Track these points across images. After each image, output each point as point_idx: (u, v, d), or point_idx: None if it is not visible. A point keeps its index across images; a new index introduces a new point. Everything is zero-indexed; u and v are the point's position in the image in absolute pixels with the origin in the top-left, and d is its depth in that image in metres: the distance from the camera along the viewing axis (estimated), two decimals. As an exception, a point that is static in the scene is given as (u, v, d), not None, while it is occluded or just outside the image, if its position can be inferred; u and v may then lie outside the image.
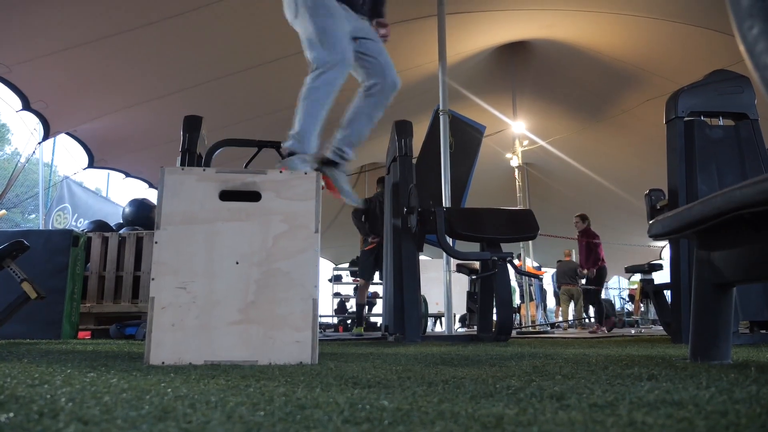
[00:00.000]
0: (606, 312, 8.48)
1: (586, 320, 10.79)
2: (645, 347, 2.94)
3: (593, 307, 8.46)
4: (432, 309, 11.27)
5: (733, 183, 1.69)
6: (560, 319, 11.55)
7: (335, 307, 14.15)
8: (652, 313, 10.20)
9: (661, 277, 5.17)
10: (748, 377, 1.22)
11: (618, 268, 14.35)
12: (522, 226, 4.38)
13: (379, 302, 10.50)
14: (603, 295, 14.81)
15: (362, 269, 6.99)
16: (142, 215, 6.12)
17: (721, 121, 3.66)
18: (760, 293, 3.39)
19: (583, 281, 9.13)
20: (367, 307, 8.91)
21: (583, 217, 8.33)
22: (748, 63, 0.70)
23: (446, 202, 5.72)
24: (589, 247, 8.22)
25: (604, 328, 7.77)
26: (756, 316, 3.43)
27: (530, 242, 10.68)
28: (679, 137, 3.58)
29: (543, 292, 14.64)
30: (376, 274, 6.96)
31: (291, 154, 2.36)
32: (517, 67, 8.89)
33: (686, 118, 3.61)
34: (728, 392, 0.98)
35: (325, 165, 2.49)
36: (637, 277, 5.73)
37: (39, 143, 6.81)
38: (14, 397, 0.94)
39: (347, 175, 2.54)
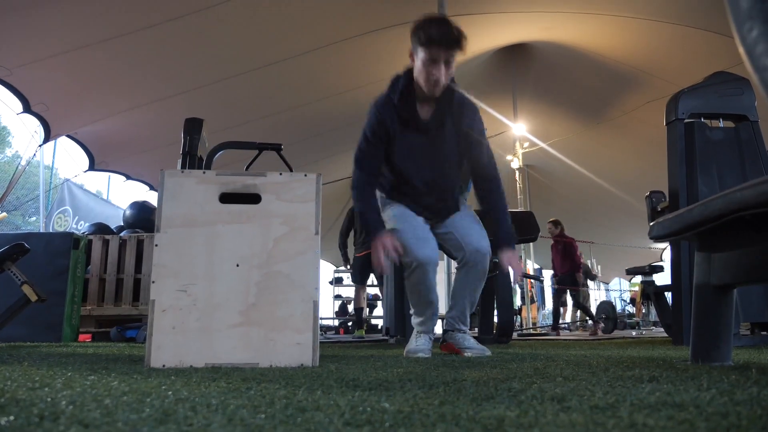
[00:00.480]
0: (593, 316, 8.46)
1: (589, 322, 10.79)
2: (646, 349, 2.94)
3: (581, 310, 8.47)
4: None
5: (733, 185, 1.69)
6: (567, 320, 11.59)
7: (336, 309, 14.14)
8: (653, 315, 10.20)
9: (662, 278, 5.17)
10: (749, 379, 1.22)
11: (619, 269, 14.36)
12: (523, 227, 4.38)
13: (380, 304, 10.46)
14: (605, 297, 14.79)
15: (354, 274, 6.97)
16: (143, 218, 6.12)
17: (721, 123, 3.66)
18: (761, 295, 3.38)
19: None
20: (367, 309, 8.87)
21: (556, 223, 8.34)
22: (747, 65, 0.70)
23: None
24: (565, 250, 8.23)
25: (599, 328, 7.76)
26: (757, 318, 3.42)
27: (531, 244, 10.67)
28: (680, 139, 3.58)
29: (544, 294, 14.66)
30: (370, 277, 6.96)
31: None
32: (517, 70, 8.90)
33: (686, 120, 3.61)
34: (729, 394, 0.98)
35: (446, 333, 2.66)
36: (638, 279, 5.73)
37: (40, 146, 6.81)
38: (15, 400, 0.94)
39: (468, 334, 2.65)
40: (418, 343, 2.52)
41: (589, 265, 11.74)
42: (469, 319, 2.66)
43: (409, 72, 2.49)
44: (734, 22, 0.71)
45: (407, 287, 2.54)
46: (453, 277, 5.89)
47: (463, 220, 2.63)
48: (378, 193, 2.65)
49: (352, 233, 7.02)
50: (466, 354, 2.49)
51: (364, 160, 2.52)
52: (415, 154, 2.52)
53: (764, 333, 3.61)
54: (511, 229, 2.57)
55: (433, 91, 2.41)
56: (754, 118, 3.59)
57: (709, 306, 1.71)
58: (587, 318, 8.45)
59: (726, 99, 3.61)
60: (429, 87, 2.39)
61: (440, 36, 2.29)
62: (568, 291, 8.59)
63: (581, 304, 8.80)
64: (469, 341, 2.57)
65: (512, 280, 2.57)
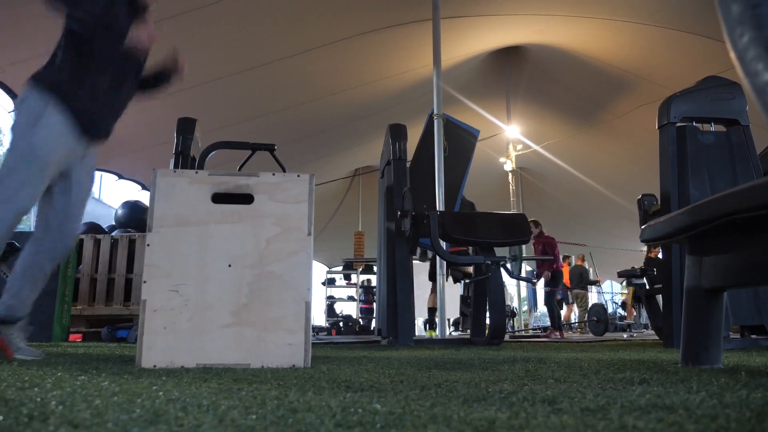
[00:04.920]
0: (558, 321, 8.41)
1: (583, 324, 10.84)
2: (637, 351, 2.95)
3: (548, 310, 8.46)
4: (425, 312, 11.26)
5: (724, 188, 1.71)
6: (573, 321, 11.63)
7: (325, 310, 14.11)
8: (644, 318, 10.25)
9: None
10: (739, 381, 1.22)
11: (611, 272, 14.42)
12: (515, 230, 4.39)
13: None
14: (596, 300, 14.87)
15: (431, 273, 6.80)
16: (135, 217, 6.08)
17: (712, 127, 3.69)
18: (751, 298, 3.41)
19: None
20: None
21: (536, 223, 8.33)
22: (738, 70, 0.70)
23: (440, 205, 5.73)
24: (544, 251, 8.24)
25: (557, 333, 7.73)
26: (746, 321, 3.45)
27: (524, 246, 10.70)
28: (672, 142, 3.60)
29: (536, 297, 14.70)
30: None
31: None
32: (511, 72, 8.93)
33: (678, 124, 3.63)
34: (718, 396, 0.98)
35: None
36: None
37: (31, 144, 6.76)
38: (4, 400, 0.93)
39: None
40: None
41: (588, 269, 11.76)
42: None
43: None
44: (726, 27, 0.71)
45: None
46: (446, 280, 5.91)
47: (82, 194, 2.36)
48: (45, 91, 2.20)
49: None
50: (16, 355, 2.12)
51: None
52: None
53: (754, 336, 3.64)
54: None
55: None
56: (745, 123, 3.62)
57: (699, 309, 1.72)
58: (550, 320, 8.40)
59: (717, 103, 3.64)
60: None
61: None
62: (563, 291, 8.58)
63: (551, 304, 8.66)
64: (20, 342, 2.17)
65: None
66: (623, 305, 13.39)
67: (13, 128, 2.15)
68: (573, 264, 11.17)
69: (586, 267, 11.70)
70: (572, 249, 11.36)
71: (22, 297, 2.21)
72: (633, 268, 5.66)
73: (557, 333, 7.70)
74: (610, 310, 10.98)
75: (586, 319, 10.46)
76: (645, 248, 8.58)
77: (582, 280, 11.03)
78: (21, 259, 2.26)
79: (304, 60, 6.60)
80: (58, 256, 2.30)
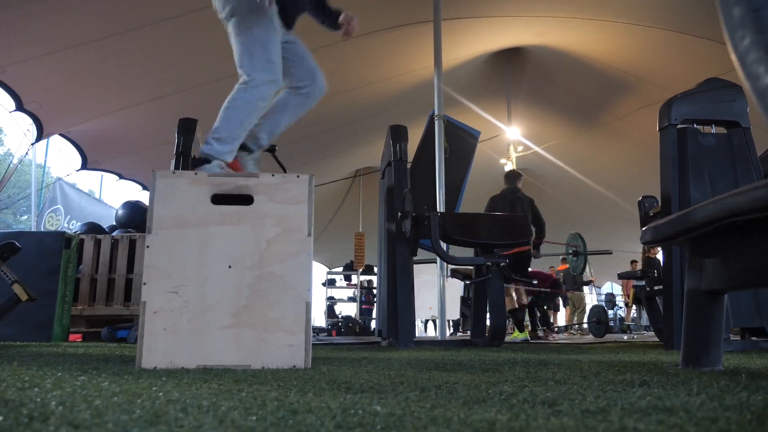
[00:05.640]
0: (547, 323, 8.31)
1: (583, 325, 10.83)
2: (637, 353, 2.95)
3: (539, 311, 8.35)
4: (426, 313, 11.26)
5: (725, 190, 1.70)
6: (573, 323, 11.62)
7: (325, 311, 14.11)
8: (645, 319, 10.25)
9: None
10: (739, 384, 1.22)
11: (611, 274, 14.41)
12: (515, 231, 4.39)
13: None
14: (596, 302, 14.84)
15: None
16: (136, 218, 6.09)
17: (713, 129, 3.69)
18: (751, 300, 3.41)
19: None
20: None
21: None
22: (739, 72, 0.70)
23: (441, 207, 5.73)
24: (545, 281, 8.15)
25: (548, 334, 7.66)
26: (747, 323, 3.45)
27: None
28: (672, 144, 3.60)
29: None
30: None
31: (206, 160, 2.31)
32: (512, 73, 8.93)
33: (679, 126, 3.63)
34: (719, 399, 0.98)
35: (243, 151, 2.51)
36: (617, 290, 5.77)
37: (32, 144, 6.78)
38: (4, 400, 0.93)
39: (257, 161, 2.56)
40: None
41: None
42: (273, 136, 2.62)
43: None
44: (727, 30, 0.71)
45: (241, 101, 2.37)
46: (446, 280, 5.90)
47: (309, 55, 2.67)
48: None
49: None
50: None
51: None
52: None
53: (754, 338, 3.64)
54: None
55: None
56: (745, 125, 3.63)
57: (699, 311, 1.72)
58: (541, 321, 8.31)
59: (718, 105, 3.64)
60: None
61: None
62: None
63: (540, 306, 8.54)
64: (251, 165, 2.52)
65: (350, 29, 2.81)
66: (611, 305, 13.40)
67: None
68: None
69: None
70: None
71: (280, 128, 2.57)
72: (633, 263, 5.64)
73: (553, 335, 7.66)
74: (610, 313, 10.97)
75: (585, 320, 10.45)
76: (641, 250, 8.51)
77: (575, 282, 11.02)
78: (284, 104, 2.59)
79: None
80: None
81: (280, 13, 2.50)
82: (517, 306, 6.76)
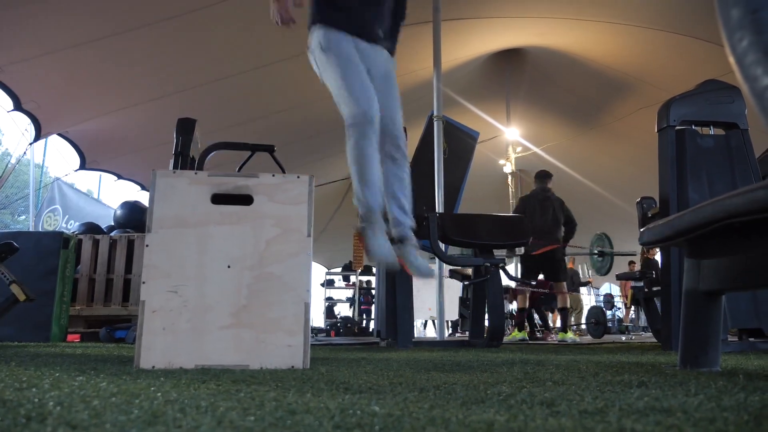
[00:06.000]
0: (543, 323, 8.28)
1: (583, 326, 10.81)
2: (635, 354, 2.95)
3: (537, 313, 8.31)
4: (425, 314, 11.24)
5: (723, 192, 1.71)
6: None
7: (324, 312, 14.10)
8: (643, 320, 10.25)
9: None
10: (737, 385, 1.22)
11: (609, 275, 14.39)
12: (514, 232, 4.39)
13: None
14: (594, 302, 14.84)
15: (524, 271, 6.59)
16: (134, 218, 6.08)
17: (711, 131, 3.70)
18: (749, 301, 3.41)
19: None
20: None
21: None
22: (737, 74, 0.71)
23: (439, 207, 5.73)
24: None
25: (546, 335, 7.66)
26: (745, 324, 3.45)
27: (522, 249, 10.71)
28: (671, 146, 3.61)
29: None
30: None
31: (362, 228, 2.26)
32: (511, 74, 8.93)
33: (678, 127, 3.63)
34: (716, 399, 0.98)
35: (394, 244, 2.34)
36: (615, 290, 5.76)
37: (30, 144, 6.76)
38: (1, 400, 0.93)
39: (414, 246, 2.38)
40: (379, 242, 2.23)
41: (578, 272, 11.76)
42: (410, 212, 2.43)
43: None
44: (725, 31, 0.71)
45: (351, 152, 2.28)
46: (444, 281, 5.89)
47: (395, 87, 2.45)
48: (314, 33, 2.38)
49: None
50: (411, 272, 2.31)
51: None
52: None
53: (752, 339, 3.64)
54: None
55: None
56: (744, 126, 3.63)
57: (697, 312, 1.72)
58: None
59: (717, 107, 3.65)
60: None
61: None
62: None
63: (537, 307, 8.50)
64: (414, 256, 2.35)
65: None
66: (610, 305, 13.39)
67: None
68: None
69: (577, 269, 11.68)
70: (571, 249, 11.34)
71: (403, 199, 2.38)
72: (631, 264, 5.65)
73: (552, 336, 7.66)
74: (608, 314, 10.97)
75: (582, 321, 10.45)
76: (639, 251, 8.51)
77: (573, 283, 11.01)
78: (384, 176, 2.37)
79: (304, 62, 6.54)
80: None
81: (350, 29, 2.34)
82: (527, 305, 6.75)
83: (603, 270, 7.11)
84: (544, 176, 6.57)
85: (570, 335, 6.59)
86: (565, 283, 6.46)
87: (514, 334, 6.66)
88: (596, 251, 6.05)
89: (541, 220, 6.18)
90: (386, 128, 2.33)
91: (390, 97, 2.39)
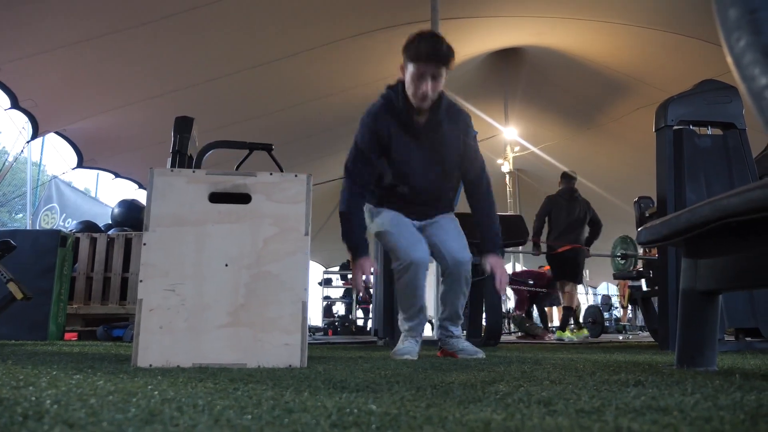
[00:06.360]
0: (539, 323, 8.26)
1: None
2: (632, 353, 2.96)
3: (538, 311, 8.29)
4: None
5: (720, 192, 1.71)
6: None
7: (322, 310, 14.10)
8: (640, 320, 10.27)
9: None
10: (733, 384, 1.23)
11: (606, 274, 14.43)
12: (512, 231, 4.40)
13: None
14: (592, 302, 14.86)
15: (553, 270, 6.59)
16: (132, 216, 6.08)
17: (709, 131, 3.70)
18: (746, 301, 3.42)
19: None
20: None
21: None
22: (735, 74, 0.71)
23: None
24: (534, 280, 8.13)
25: (544, 334, 7.64)
26: (741, 324, 3.46)
27: (520, 248, 10.72)
28: (668, 145, 3.61)
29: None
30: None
31: (402, 336, 2.61)
32: (509, 74, 8.94)
33: (675, 127, 3.64)
34: (713, 399, 0.99)
35: (440, 340, 2.72)
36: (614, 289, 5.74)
37: (27, 142, 6.75)
38: (-1, 398, 0.93)
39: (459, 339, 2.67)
40: (405, 345, 2.53)
41: None
42: (460, 322, 2.70)
43: (402, 83, 2.54)
44: (723, 31, 0.71)
45: (398, 290, 2.55)
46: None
47: (447, 226, 2.67)
48: (367, 205, 2.67)
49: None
50: (460, 356, 2.54)
51: (355, 170, 2.54)
52: (410, 160, 2.55)
53: (748, 339, 3.65)
54: (498, 235, 2.61)
55: (421, 104, 2.45)
56: (741, 126, 3.64)
57: (694, 311, 1.72)
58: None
59: (714, 107, 3.65)
60: (417, 101, 2.44)
61: (428, 52, 2.36)
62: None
63: (539, 306, 8.46)
64: (462, 343, 2.62)
65: (497, 284, 2.57)
66: (608, 307, 13.41)
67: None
68: None
69: None
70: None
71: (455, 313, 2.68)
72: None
73: (550, 335, 7.65)
74: (605, 313, 10.97)
75: (580, 320, 10.44)
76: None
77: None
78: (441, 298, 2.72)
79: (301, 60, 6.60)
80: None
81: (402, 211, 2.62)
82: (575, 305, 6.75)
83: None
84: (570, 177, 6.55)
85: (567, 334, 6.60)
86: (580, 285, 6.50)
87: (567, 334, 6.58)
88: (619, 253, 6.05)
89: (566, 220, 6.16)
90: (443, 261, 2.58)
91: (443, 236, 2.61)
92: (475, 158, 2.63)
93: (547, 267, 7.70)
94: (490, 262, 2.55)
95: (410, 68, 2.41)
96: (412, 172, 2.56)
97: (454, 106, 2.63)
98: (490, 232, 2.60)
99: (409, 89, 2.44)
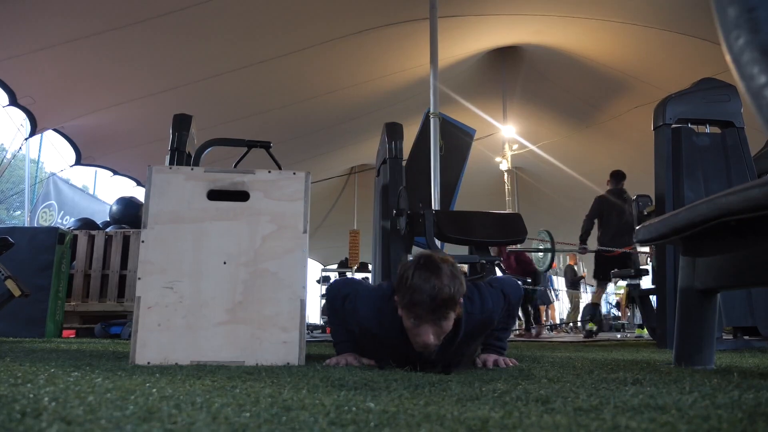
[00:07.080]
0: (532, 319, 8.25)
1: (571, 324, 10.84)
2: (630, 352, 2.96)
3: (531, 307, 8.29)
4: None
5: (718, 190, 1.71)
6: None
7: (320, 308, 14.10)
8: (638, 318, 10.29)
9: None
10: (731, 382, 1.23)
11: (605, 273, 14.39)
12: (510, 229, 4.39)
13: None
14: (589, 300, 14.83)
15: (596, 271, 6.51)
16: (130, 213, 6.07)
17: (707, 129, 3.71)
18: (744, 299, 3.43)
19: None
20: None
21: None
22: (733, 73, 0.71)
23: (436, 204, 5.73)
24: (518, 264, 8.11)
25: (532, 331, 7.66)
26: (739, 322, 3.47)
27: (518, 246, 10.72)
28: (667, 144, 3.62)
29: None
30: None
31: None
32: (507, 72, 8.93)
33: (674, 125, 3.64)
34: (711, 397, 0.99)
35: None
36: (623, 283, 5.76)
37: (26, 139, 6.74)
38: (-4, 396, 0.93)
39: None
40: None
41: (574, 268, 11.79)
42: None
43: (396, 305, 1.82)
44: (722, 30, 0.71)
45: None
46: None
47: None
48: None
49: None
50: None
51: (344, 316, 2.01)
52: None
53: (746, 337, 3.66)
54: (505, 342, 2.19)
55: (425, 352, 1.79)
56: (740, 125, 3.64)
57: (692, 310, 1.73)
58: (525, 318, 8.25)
59: (713, 105, 3.66)
60: (419, 348, 1.77)
61: (425, 302, 1.68)
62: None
63: (532, 303, 8.39)
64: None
65: (481, 361, 2.07)
66: (617, 305, 13.42)
67: None
68: (567, 263, 11.21)
69: (575, 267, 11.73)
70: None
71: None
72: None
73: (531, 332, 7.64)
74: (604, 311, 11.00)
75: (579, 318, 10.47)
76: (639, 249, 8.49)
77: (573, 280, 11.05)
78: None
79: (300, 58, 6.59)
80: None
81: None
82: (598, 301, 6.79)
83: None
84: (620, 177, 6.43)
85: (591, 326, 6.61)
86: (580, 285, 6.53)
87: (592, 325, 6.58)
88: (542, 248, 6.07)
89: (617, 221, 6.11)
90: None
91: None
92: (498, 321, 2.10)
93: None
94: (486, 359, 2.04)
95: (404, 314, 1.75)
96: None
97: (476, 321, 1.92)
98: (499, 339, 2.15)
99: (409, 333, 1.79)
